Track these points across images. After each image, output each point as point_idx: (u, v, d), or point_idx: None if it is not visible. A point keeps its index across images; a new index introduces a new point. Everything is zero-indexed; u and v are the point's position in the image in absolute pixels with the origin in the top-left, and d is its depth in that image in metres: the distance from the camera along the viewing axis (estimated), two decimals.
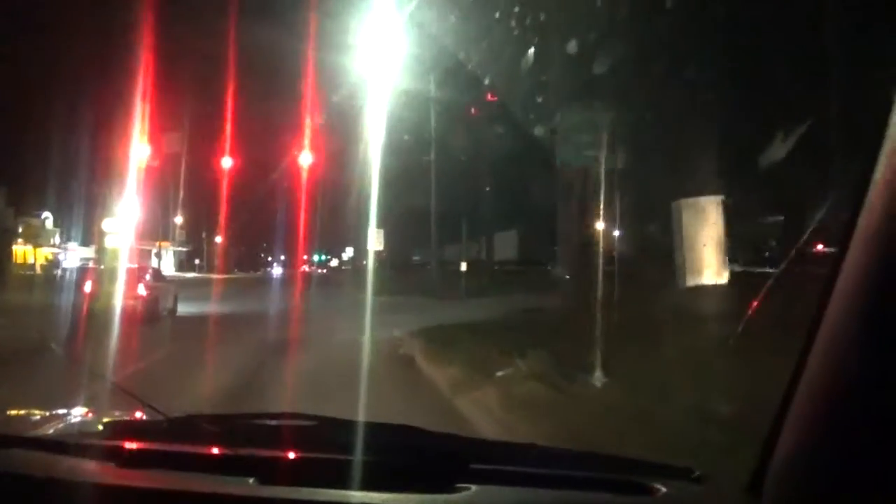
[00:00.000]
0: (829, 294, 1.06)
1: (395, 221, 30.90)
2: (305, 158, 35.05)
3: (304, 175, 36.94)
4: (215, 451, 1.72)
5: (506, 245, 42.70)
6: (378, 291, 22.79)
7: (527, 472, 1.60)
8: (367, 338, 11.82)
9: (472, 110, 24.24)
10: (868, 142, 1.04)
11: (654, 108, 11.51)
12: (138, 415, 2.16)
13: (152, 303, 17.16)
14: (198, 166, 47.95)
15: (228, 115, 39.21)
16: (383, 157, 22.52)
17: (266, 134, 50.14)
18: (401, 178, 27.27)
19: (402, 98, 22.64)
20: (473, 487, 1.51)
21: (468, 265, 27.75)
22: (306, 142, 34.02)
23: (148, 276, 18.05)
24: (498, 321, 13.95)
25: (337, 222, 55.12)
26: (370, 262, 25.82)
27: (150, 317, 16.45)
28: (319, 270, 71.88)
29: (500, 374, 7.56)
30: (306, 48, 24.63)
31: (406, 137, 27.06)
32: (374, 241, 25.18)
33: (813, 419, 1.07)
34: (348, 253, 63.83)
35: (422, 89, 23.12)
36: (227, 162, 42.57)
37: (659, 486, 1.53)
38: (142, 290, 16.69)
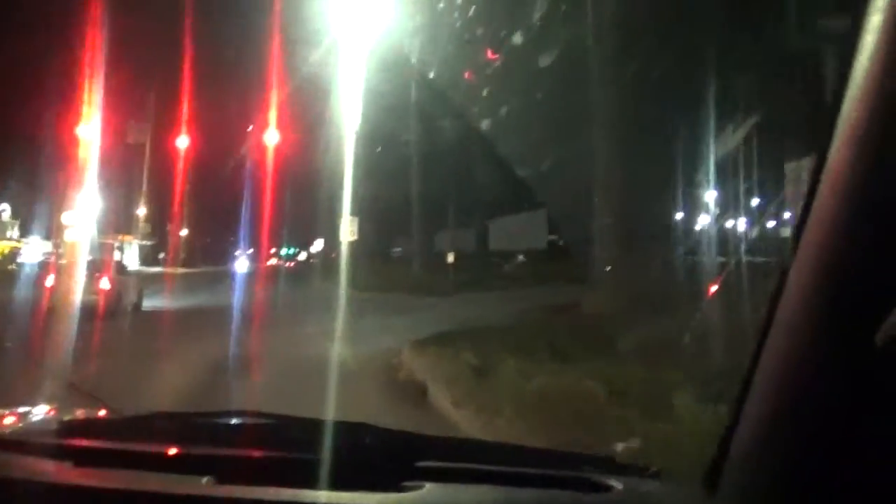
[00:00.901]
0: (782, 289, 1.07)
1: (373, 209, 28.27)
2: (271, 137, 32.26)
3: (271, 161, 35.47)
4: (171, 449, 1.69)
5: (504, 233, 38.45)
6: (353, 287, 21.18)
7: (481, 470, 1.60)
8: (348, 352, 9.32)
9: (467, 75, 20.71)
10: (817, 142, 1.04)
11: None
12: (95, 413, 2.13)
13: (115, 298, 16.54)
14: (163, 157, 46.68)
15: (186, 94, 37.79)
16: (359, 136, 20.34)
17: (231, 118, 48.87)
18: (379, 160, 25.31)
19: (379, 68, 19.67)
20: (427, 485, 1.51)
21: (458, 257, 25.66)
22: (272, 120, 32.25)
23: (110, 270, 17.42)
24: (526, 324, 11.50)
25: (306, 212, 54.21)
26: (344, 254, 23.66)
27: (113, 312, 15.64)
28: (287, 264, 70.23)
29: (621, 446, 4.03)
30: (271, 17, 23.34)
31: (384, 113, 23.28)
32: (348, 230, 24.71)
33: (768, 414, 1.09)
34: (317, 245, 62.86)
35: (403, 56, 18.80)
36: (183, 142, 40.42)
37: (615, 483, 1.54)
38: (104, 285, 16.20)
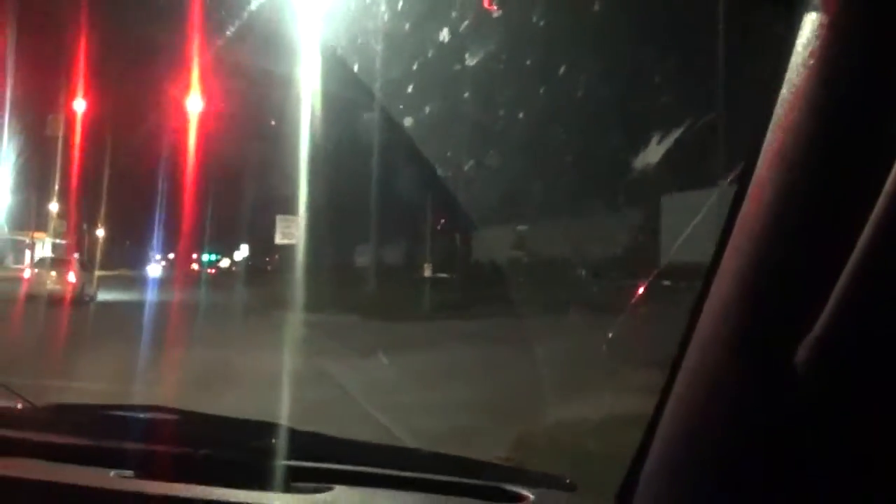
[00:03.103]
0: (701, 303, 1.06)
1: (327, 210, 24.33)
2: (194, 104, 25.62)
3: (194, 160, 32.78)
4: (80, 441, 1.71)
5: (495, 242, 33.61)
6: (282, 304, 16.79)
7: (389, 475, 1.60)
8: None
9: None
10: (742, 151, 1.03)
11: None
12: (6, 403, 2.08)
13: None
14: (82, 151, 44.27)
15: (99, 83, 34.73)
16: (309, 117, 16.26)
17: (154, 112, 46.32)
18: (335, 149, 21.43)
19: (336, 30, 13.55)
20: (336, 487, 1.53)
21: (438, 268, 20.20)
22: (194, 117, 26.79)
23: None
24: None
25: (233, 216, 52.55)
26: (303, 258, 20.06)
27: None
28: (209, 271, 68.28)
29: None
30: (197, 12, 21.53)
31: (338, 84, 17.08)
32: (283, 230, 21.12)
33: (681, 432, 1.07)
34: (243, 251, 60.85)
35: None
36: (79, 105, 35.81)
37: (528, 493, 1.54)
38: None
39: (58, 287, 19.45)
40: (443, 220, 28.87)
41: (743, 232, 0.99)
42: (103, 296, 24.17)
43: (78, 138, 39.36)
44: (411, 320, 16.37)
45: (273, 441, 1.67)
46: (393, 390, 8.07)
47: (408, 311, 17.68)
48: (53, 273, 20.90)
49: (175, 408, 1.93)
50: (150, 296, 27.47)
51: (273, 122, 23.12)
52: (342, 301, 19.17)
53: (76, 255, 27.22)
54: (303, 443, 1.74)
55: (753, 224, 0.97)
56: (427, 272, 20.24)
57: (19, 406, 2.03)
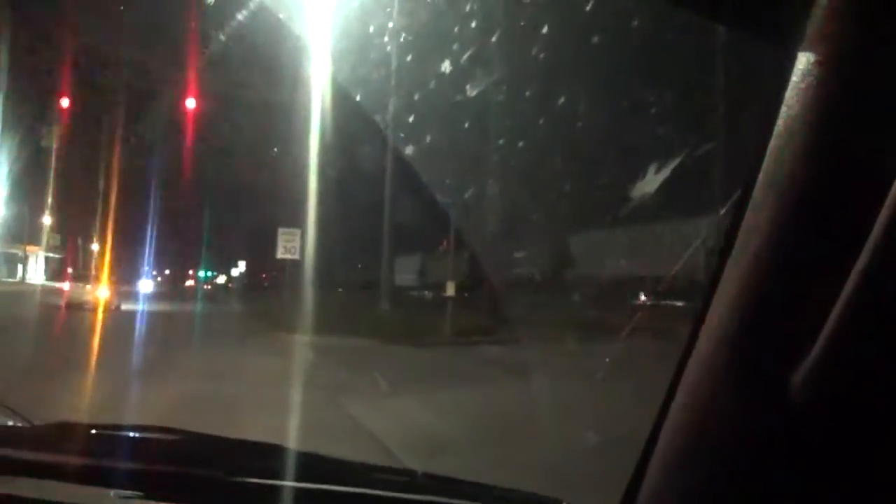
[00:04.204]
0: (699, 324, 1.05)
1: (332, 227, 23.75)
2: (189, 103, 25.38)
3: (194, 176, 32.31)
4: (79, 461, 1.68)
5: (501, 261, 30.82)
6: (282, 325, 15.97)
7: (390, 497, 1.59)
8: None
9: None
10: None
11: None
12: (4, 422, 2.05)
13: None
14: (78, 163, 42.44)
15: (92, 94, 33.39)
16: (315, 144, 15.82)
17: (152, 122, 44.96)
18: (347, 155, 20.75)
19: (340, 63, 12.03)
20: None
21: (461, 287, 17.61)
22: (194, 130, 28.24)
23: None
24: None
25: (233, 233, 50.92)
26: (306, 274, 18.63)
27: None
28: (205, 287, 67.18)
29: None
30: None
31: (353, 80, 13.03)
32: (285, 244, 20.83)
33: (682, 449, 1.05)
34: (240, 268, 59.04)
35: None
36: (64, 102, 34.39)
37: None
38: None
39: (91, 298, 24.96)
40: (444, 242, 27.18)
41: (739, 256, 1.00)
42: (124, 306, 28.32)
43: (74, 150, 38.27)
44: (436, 345, 14.47)
45: (278, 463, 1.67)
46: (444, 445, 6.19)
47: (430, 334, 15.67)
48: (88, 287, 26.27)
49: (179, 428, 1.91)
50: (159, 307, 31.28)
51: (276, 150, 22.76)
52: (353, 322, 17.25)
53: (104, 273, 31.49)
54: (308, 465, 1.73)
55: (750, 248, 0.98)
56: (450, 291, 17.25)
57: (18, 424, 2.02)
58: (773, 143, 0.96)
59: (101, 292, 25.50)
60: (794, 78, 0.93)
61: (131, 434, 1.98)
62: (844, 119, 0.89)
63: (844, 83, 0.89)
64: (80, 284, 26.80)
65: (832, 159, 0.90)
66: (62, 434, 1.91)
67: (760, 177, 0.97)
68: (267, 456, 1.73)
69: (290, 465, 1.66)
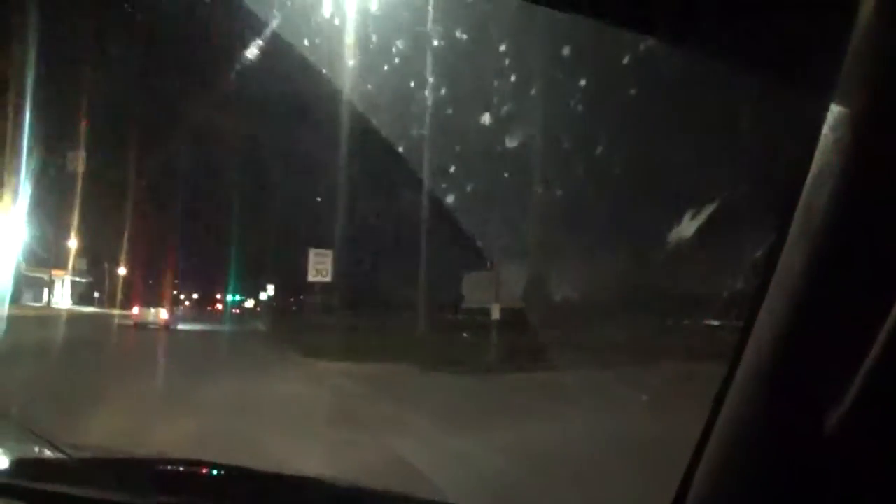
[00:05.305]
0: (746, 338, 1.06)
1: (372, 242, 23.80)
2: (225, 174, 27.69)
3: (225, 198, 33.23)
4: (117, 496, 1.68)
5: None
6: (313, 351, 15.42)
7: None
8: None
9: None
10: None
11: None
12: (46, 454, 2.04)
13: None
14: (104, 186, 42.12)
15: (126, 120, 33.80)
16: (348, 138, 15.18)
17: (183, 149, 45.00)
18: (383, 169, 20.68)
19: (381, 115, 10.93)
20: None
21: (507, 311, 15.58)
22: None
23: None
24: None
25: (261, 257, 50.31)
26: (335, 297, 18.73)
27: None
28: (234, 311, 67.36)
29: None
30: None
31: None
32: (317, 266, 19.92)
33: (727, 464, 1.06)
34: (269, 291, 58.34)
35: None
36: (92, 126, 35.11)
37: None
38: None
39: (156, 319, 31.40)
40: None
41: (775, 298, 1.02)
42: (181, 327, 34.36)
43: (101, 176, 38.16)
44: (482, 371, 13.20)
45: (312, 496, 1.72)
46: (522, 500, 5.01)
47: (473, 360, 14.43)
48: (153, 310, 32.11)
49: (214, 462, 1.90)
50: (204, 327, 37.27)
51: (319, 199, 24.66)
52: (389, 346, 16.15)
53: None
54: (343, 497, 1.75)
55: (786, 291, 0.99)
56: (496, 314, 15.81)
57: (57, 458, 2.00)
58: (807, 186, 0.99)
59: (164, 315, 31.96)
60: (827, 127, 0.96)
61: (169, 468, 2.00)
62: (876, 166, 0.92)
63: (877, 133, 0.92)
64: (150, 308, 32.61)
65: (865, 203, 0.93)
66: (101, 468, 1.96)
67: (795, 220, 1.01)
68: (304, 489, 1.77)
69: (329, 497, 1.72)
